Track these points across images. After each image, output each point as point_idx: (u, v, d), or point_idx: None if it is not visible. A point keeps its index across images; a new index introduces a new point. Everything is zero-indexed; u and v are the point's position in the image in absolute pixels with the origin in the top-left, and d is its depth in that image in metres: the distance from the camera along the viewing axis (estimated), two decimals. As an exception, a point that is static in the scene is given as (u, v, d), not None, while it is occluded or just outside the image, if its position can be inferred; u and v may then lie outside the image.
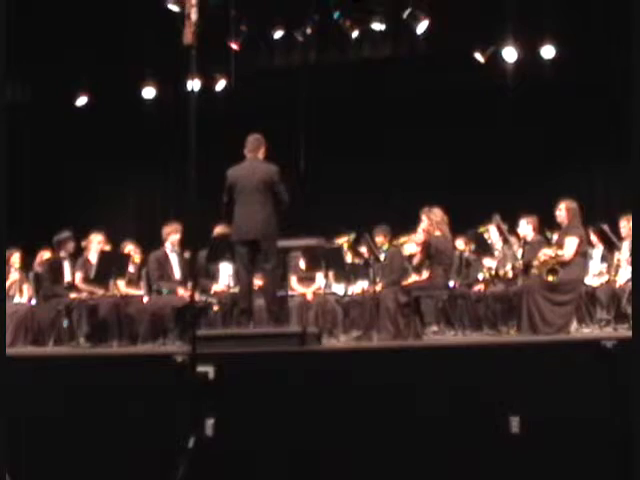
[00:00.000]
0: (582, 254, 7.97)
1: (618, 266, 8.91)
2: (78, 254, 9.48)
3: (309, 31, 11.12)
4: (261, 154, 7.55)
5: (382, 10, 10.68)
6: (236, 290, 8.95)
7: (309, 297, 9.40)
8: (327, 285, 9.71)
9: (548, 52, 10.75)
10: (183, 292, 8.80)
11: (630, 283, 8.40)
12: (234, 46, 10.84)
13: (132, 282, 9.45)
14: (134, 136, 12.44)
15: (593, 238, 9.14)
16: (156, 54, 11.00)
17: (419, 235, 8.50)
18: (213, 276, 9.50)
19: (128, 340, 8.68)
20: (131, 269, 9.37)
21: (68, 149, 12.41)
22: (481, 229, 8.98)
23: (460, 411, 5.83)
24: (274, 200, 7.35)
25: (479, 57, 10.94)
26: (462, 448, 5.76)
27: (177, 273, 9.10)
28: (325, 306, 9.35)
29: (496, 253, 9.09)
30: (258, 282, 7.93)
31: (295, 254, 9.26)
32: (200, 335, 6.25)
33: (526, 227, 8.89)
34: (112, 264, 8.81)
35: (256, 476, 6.01)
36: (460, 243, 9.61)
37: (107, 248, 9.32)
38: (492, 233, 8.97)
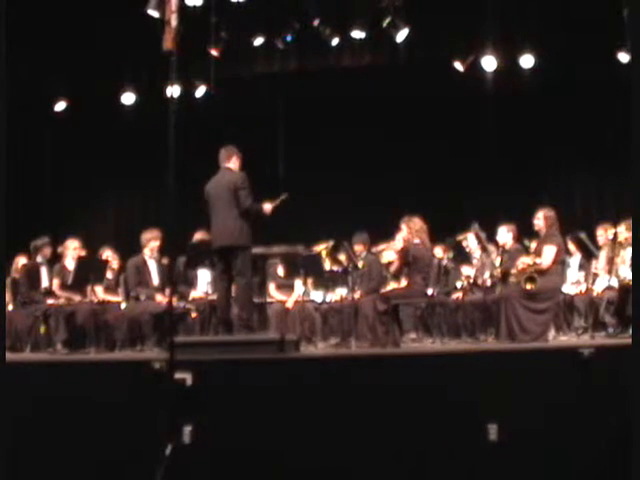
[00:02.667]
0: (560, 262, 8.00)
1: (595, 274, 8.97)
2: (55, 260, 9.41)
3: (289, 38, 11.15)
4: (232, 164, 7.54)
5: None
6: (214, 297, 8.95)
7: (289, 305, 9.37)
8: (306, 292, 9.70)
9: (527, 61, 10.84)
10: (161, 299, 8.79)
11: (607, 291, 8.48)
12: (214, 53, 10.82)
13: (110, 288, 9.40)
14: (113, 141, 12.36)
15: (571, 247, 9.19)
16: (136, 60, 10.98)
17: (398, 243, 8.52)
18: (191, 283, 9.48)
19: (106, 346, 8.64)
20: (109, 275, 9.34)
21: (46, 154, 12.32)
22: (460, 237, 9.01)
23: (438, 419, 5.84)
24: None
25: (458, 66, 11.01)
26: (439, 456, 5.77)
27: (155, 279, 9.07)
28: (303, 313, 9.34)
29: (474, 261, 9.12)
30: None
31: (274, 261, 9.26)
32: (178, 342, 6.23)
33: (506, 235, 8.91)
34: (90, 270, 8.74)
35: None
36: (439, 251, 9.62)
37: (83, 254, 9.25)
38: (470, 241, 8.99)
